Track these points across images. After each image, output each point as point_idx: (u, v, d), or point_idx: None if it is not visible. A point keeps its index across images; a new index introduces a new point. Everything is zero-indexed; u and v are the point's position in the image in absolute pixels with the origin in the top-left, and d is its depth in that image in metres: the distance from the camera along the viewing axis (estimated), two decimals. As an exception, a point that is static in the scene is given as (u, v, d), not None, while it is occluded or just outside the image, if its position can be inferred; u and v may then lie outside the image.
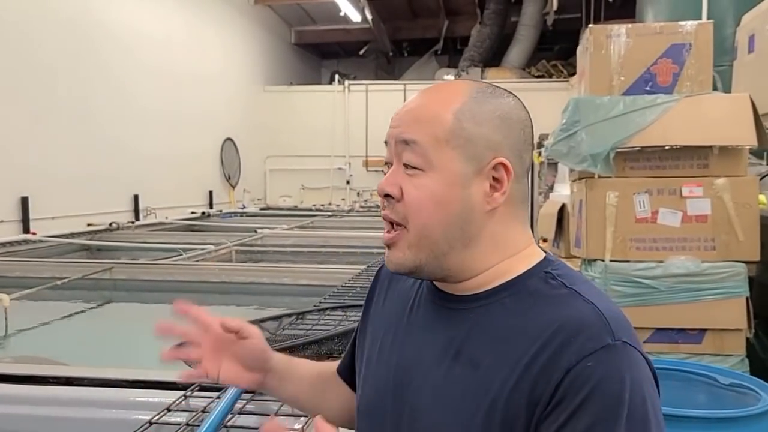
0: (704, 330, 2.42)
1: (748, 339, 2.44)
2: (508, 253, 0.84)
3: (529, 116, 0.88)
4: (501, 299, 0.82)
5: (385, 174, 0.86)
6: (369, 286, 1.04)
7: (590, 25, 2.70)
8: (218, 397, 1.28)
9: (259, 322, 1.84)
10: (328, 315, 1.92)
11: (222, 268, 3.08)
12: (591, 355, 0.71)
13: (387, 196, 0.83)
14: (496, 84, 0.90)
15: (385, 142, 0.87)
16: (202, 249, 3.76)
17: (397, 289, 0.96)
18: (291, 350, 1.42)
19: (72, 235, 4.50)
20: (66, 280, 2.86)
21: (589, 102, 2.64)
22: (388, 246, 0.84)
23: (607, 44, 2.65)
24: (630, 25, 2.65)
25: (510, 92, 0.89)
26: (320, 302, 2.13)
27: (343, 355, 1.08)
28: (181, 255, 3.48)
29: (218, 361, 0.94)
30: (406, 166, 0.82)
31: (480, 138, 0.82)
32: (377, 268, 1.07)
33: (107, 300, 3.02)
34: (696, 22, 2.62)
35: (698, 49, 2.58)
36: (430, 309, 0.88)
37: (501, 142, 0.83)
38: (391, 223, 0.84)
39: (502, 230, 0.84)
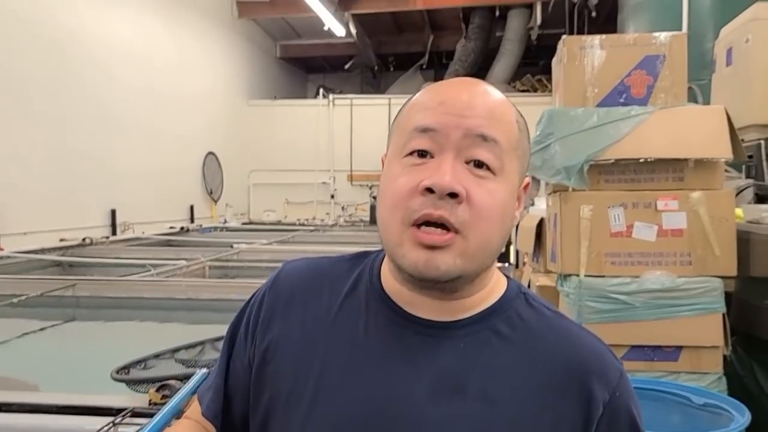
0: (680, 347, 2.36)
1: (725, 356, 2.38)
2: (493, 271, 0.81)
3: None
4: (493, 325, 0.77)
5: (412, 167, 0.73)
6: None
7: (564, 36, 2.65)
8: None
9: (213, 341, 1.77)
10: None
11: (189, 285, 2.99)
12: (617, 386, 0.74)
13: (451, 195, 0.70)
14: None
15: (426, 129, 0.73)
16: (174, 264, 3.67)
17: (323, 307, 0.82)
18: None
19: (42, 251, 4.39)
20: (24, 297, 2.77)
21: (563, 114, 2.59)
22: (433, 247, 0.70)
23: (581, 56, 2.61)
24: (603, 37, 2.61)
25: None
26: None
27: (209, 394, 0.88)
28: (150, 271, 3.40)
29: None
30: (472, 163, 0.72)
31: (528, 153, 0.80)
32: (271, 278, 0.89)
33: (70, 318, 2.92)
34: (670, 34, 2.58)
35: (672, 61, 2.54)
36: (399, 336, 0.77)
37: (529, 162, 0.82)
38: (441, 226, 0.70)
39: None
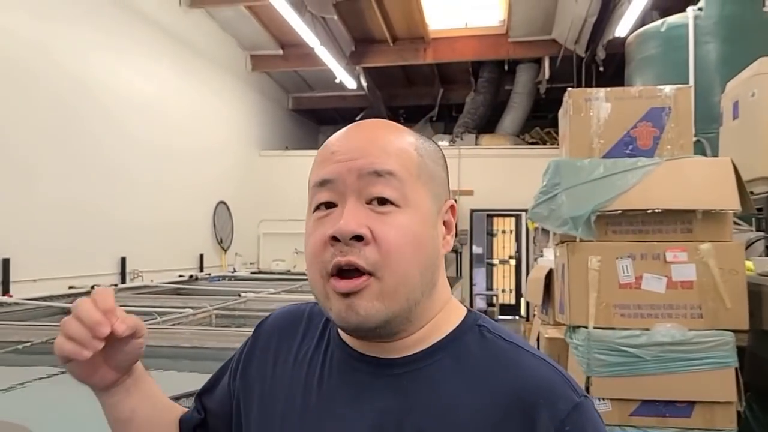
0: (693, 402, 2.31)
1: (740, 413, 2.32)
2: (442, 303, 0.78)
3: None
4: (439, 360, 0.74)
5: (319, 220, 0.74)
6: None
7: (569, 89, 2.69)
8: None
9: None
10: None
11: (194, 333, 2.97)
12: (566, 418, 0.68)
13: (355, 239, 0.69)
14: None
15: (323, 182, 0.74)
16: (180, 312, 3.65)
17: (293, 351, 0.84)
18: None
19: (50, 298, 4.39)
20: (29, 344, 2.75)
21: (570, 164, 2.60)
22: (347, 294, 0.70)
23: (587, 107, 2.64)
24: (609, 89, 2.65)
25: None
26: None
27: (192, 408, 0.94)
28: (156, 318, 3.38)
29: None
30: (375, 201, 0.71)
31: (438, 177, 0.78)
32: (255, 327, 0.93)
33: (74, 365, 2.89)
34: (675, 87, 2.61)
35: (678, 113, 2.57)
36: (349, 377, 0.77)
37: (447, 183, 0.80)
38: (354, 270, 0.70)
39: (443, 277, 0.78)
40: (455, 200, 0.86)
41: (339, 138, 0.77)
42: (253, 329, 0.93)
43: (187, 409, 0.94)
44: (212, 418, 0.92)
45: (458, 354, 0.74)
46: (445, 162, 0.81)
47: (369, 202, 0.71)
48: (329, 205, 0.73)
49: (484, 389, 0.70)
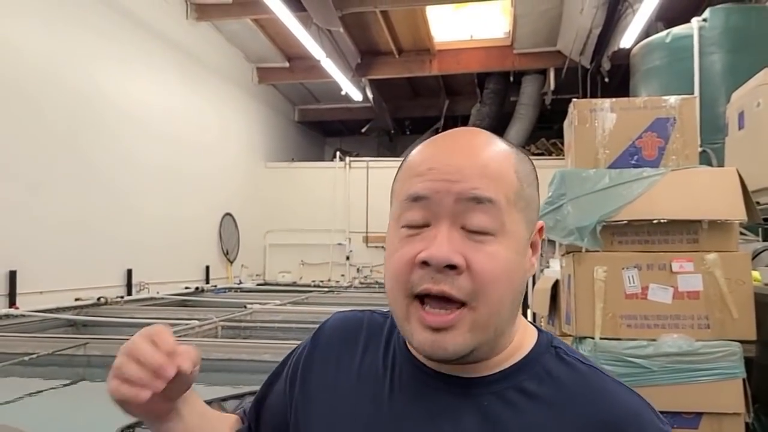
0: (701, 414, 2.29)
1: (748, 424, 2.30)
2: (519, 324, 0.77)
3: None
4: (519, 383, 0.72)
5: (408, 237, 0.71)
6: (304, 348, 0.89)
7: (574, 100, 2.69)
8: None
9: (220, 401, 1.74)
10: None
11: (200, 344, 2.97)
12: None
13: (449, 267, 0.67)
14: None
15: (417, 198, 0.71)
16: (186, 324, 3.65)
17: (356, 362, 0.82)
18: None
19: (56, 310, 4.41)
20: (35, 356, 2.77)
21: (575, 175, 2.60)
22: (439, 329, 0.68)
23: (592, 118, 2.64)
24: (614, 100, 2.65)
25: None
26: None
27: (246, 416, 0.93)
28: (162, 330, 3.39)
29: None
30: (470, 230, 0.69)
31: (534, 201, 0.75)
32: (316, 328, 0.91)
33: (80, 377, 2.90)
34: (680, 97, 2.61)
35: (683, 123, 2.56)
36: (422, 394, 0.75)
37: (538, 206, 0.78)
38: (445, 299, 0.68)
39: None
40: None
41: (436, 152, 0.74)
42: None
43: (235, 416, 0.94)
44: (265, 427, 0.91)
45: (539, 376, 0.73)
46: (537, 181, 0.78)
47: (464, 228, 0.69)
48: (419, 225, 0.71)
49: (569, 415, 0.69)
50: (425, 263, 0.68)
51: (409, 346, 0.78)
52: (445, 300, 0.68)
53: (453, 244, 0.67)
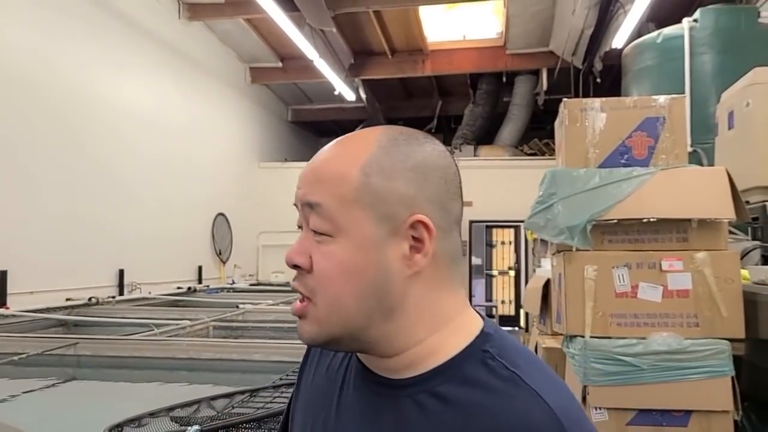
0: (690, 412, 2.30)
1: (737, 422, 2.31)
2: (439, 324, 0.74)
3: (453, 161, 0.77)
4: (433, 387, 0.71)
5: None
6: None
7: (564, 99, 2.70)
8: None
9: (209, 400, 1.74)
10: (283, 392, 1.82)
11: (191, 344, 2.97)
12: None
13: (296, 266, 0.73)
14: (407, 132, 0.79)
15: (295, 205, 0.76)
16: (177, 324, 3.65)
17: (327, 363, 0.86)
18: (228, 429, 1.32)
19: (47, 310, 4.39)
20: (25, 356, 2.75)
21: (565, 174, 2.61)
22: (299, 317, 0.74)
23: (582, 117, 2.65)
24: (604, 99, 2.66)
25: (430, 137, 0.78)
26: (281, 378, 2.03)
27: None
28: (153, 330, 3.38)
29: None
30: (314, 231, 0.72)
31: (390, 193, 0.71)
32: None
33: (70, 376, 2.89)
34: (669, 96, 2.62)
35: (672, 123, 2.58)
36: (360, 393, 0.77)
37: (416, 196, 0.72)
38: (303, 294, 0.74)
39: (429, 297, 0.73)
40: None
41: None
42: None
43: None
44: None
45: (456, 381, 0.71)
46: (424, 171, 0.73)
47: (313, 231, 0.73)
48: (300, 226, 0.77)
49: (468, 427, 0.67)
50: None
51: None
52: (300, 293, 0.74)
53: (303, 246, 0.73)
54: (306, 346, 0.93)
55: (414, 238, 0.71)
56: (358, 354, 0.80)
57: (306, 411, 0.85)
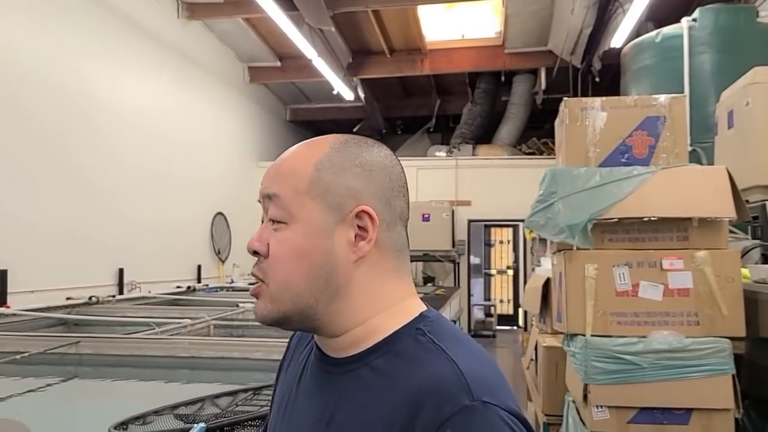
0: (690, 410, 2.31)
1: (738, 420, 2.32)
2: (381, 307, 0.81)
3: (399, 164, 0.86)
4: (370, 362, 0.78)
5: None
6: None
7: (565, 98, 2.71)
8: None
9: (213, 398, 1.75)
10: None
11: (192, 343, 2.97)
12: (448, 420, 0.67)
13: (255, 253, 0.81)
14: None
15: (259, 201, 0.85)
16: (178, 323, 3.64)
17: (298, 355, 0.94)
18: (233, 426, 1.33)
19: (48, 309, 4.38)
20: (26, 355, 2.75)
21: (566, 173, 2.62)
22: (255, 297, 0.82)
23: (582, 117, 2.66)
24: (604, 99, 2.66)
25: (378, 143, 0.87)
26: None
27: None
28: (153, 329, 3.38)
29: None
30: (272, 221, 0.81)
31: (339, 186, 0.80)
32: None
33: (72, 375, 2.89)
34: (670, 96, 2.63)
35: (673, 122, 2.59)
36: (314, 374, 0.85)
37: (362, 190, 0.80)
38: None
39: (373, 281, 0.81)
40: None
41: None
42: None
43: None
44: None
45: (387, 357, 0.77)
46: (370, 169, 0.82)
47: (271, 221, 0.81)
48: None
49: (395, 391, 0.73)
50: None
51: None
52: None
53: (262, 235, 0.81)
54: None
55: (359, 227, 0.80)
56: (315, 339, 0.86)
57: (278, 401, 0.92)
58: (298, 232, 0.79)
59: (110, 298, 5.27)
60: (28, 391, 2.47)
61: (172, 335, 3.34)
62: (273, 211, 0.80)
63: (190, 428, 1.28)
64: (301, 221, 0.79)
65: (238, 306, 4.68)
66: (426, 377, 0.72)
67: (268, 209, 0.82)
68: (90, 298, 4.99)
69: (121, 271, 6.36)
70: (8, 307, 4.35)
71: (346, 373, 0.80)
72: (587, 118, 2.66)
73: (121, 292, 6.20)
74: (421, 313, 0.82)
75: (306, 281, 0.79)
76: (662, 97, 2.63)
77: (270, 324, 0.82)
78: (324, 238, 0.79)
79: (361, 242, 0.80)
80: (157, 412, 1.63)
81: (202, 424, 1.26)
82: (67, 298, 5.02)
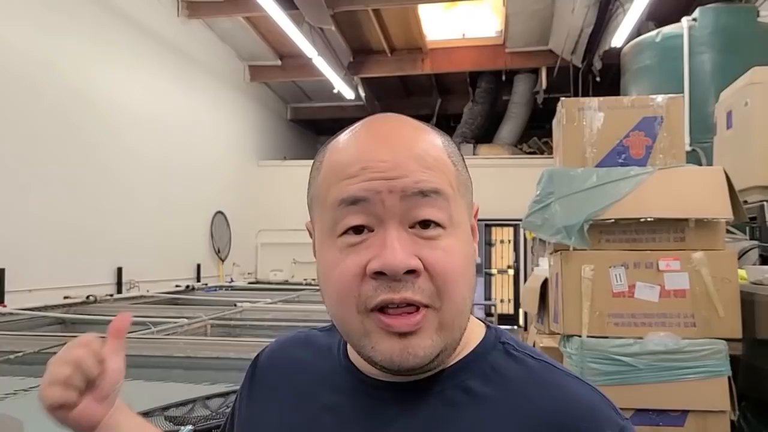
0: (686, 411, 2.30)
1: (734, 422, 2.31)
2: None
3: None
4: (462, 381, 0.66)
5: (350, 247, 0.64)
6: None
7: (562, 98, 2.70)
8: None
9: (204, 399, 1.74)
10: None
11: (188, 342, 2.96)
12: None
13: (409, 272, 0.61)
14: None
15: (355, 201, 0.63)
16: (175, 323, 3.64)
17: (298, 386, 0.76)
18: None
19: (45, 308, 4.38)
20: (21, 354, 2.74)
21: (563, 173, 2.61)
22: (406, 334, 0.62)
23: (580, 117, 2.65)
24: (601, 99, 2.65)
25: None
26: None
27: None
28: (150, 329, 3.37)
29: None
30: (419, 225, 0.63)
31: (469, 183, 0.71)
32: (252, 360, 0.86)
33: (67, 375, 2.88)
34: (667, 96, 2.62)
35: (670, 122, 2.57)
36: (365, 406, 0.69)
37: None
38: (412, 305, 0.62)
39: None
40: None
41: (363, 148, 0.66)
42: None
43: None
44: None
45: (485, 374, 0.67)
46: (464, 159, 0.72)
47: (412, 226, 0.63)
48: (359, 229, 0.63)
49: (516, 414, 0.64)
50: (379, 273, 0.61)
51: (350, 354, 0.73)
52: (406, 306, 0.62)
53: (406, 247, 0.61)
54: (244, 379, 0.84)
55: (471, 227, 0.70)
56: (353, 363, 0.72)
57: None
58: (460, 239, 0.65)
59: (108, 297, 5.26)
60: (19, 391, 2.46)
61: (168, 335, 3.33)
62: (431, 213, 0.62)
63: (178, 430, 1.27)
64: (458, 226, 0.65)
65: (236, 305, 4.67)
66: (568, 398, 0.64)
67: (413, 211, 0.63)
68: (88, 297, 4.99)
69: (119, 270, 6.36)
70: (5, 306, 4.35)
71: (428, 399, 0.66)
72: (584, 119, 2.65)
73: (119, 291, 6.19)
74: (487, 325, 0.73)
75: (471, 296, 0.66)
76: (659, 98, 2.62)
77: (423, 367, 0.63)
78: (472, 244, 0.69)
79: (474, 244, 0.70)
80: (147, 414, 1.62)
81: (190, 426, 1.25)
82: (65, 297, 5.01)
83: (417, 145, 0.65)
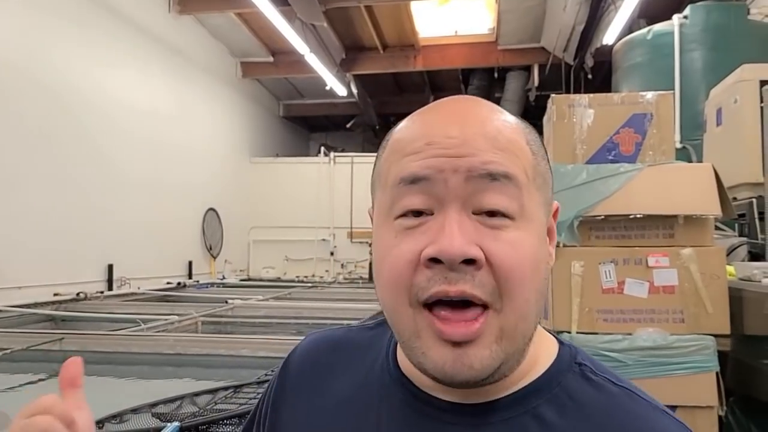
0: (674, 407, 2.30)
1: (722, 418, 2.32)
2: (536, 336, 0.62)
3: None
4: (535, 408, 0.59)
5: (407, 230, 0.57)
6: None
7: (552, 95, 2.70)
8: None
9: (192, 396, 1.73)
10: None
11: (178, 339, 2.96)
12: None
13: (467, 262, 0.54)
14: None
15: (416, 180, 0.57)
16: (165, 319, 3.63)
17: (333, 390, 0.69)
18: (209, 425, 1.31)
19: (34, 305, 4.36)
20: (8, 351, 2.74)
21: (553, 170, 2.61)
22: (461, 343, 0.54)
23: (570, 114, 2.65)
24: (592, 95, 2.65)
25: None
26: (265, 374, 2.03)
27: None
28: (140, 326, 3.37)
29: None
30: (486, 214, 0.56)
31: (549, 178, 0.63)
32: (282, 361, 0.78)
33: (55, 372, 2.87)
34: (657, 93, 2.62)
35: (659, 119, 2.58)
36: (416, 425, 0.61)
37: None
38: (462, 303, 0.55)
39: None
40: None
41: (432, 123, 0.60)
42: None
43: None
44: None
45: (559, 401, 0.60)
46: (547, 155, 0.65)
47: (476, 213, 0.56)
48: (419, 213, 0.57)
49: None
50: (434, 260, 0.54)
51: (401, 363, 0.65)
52: (462, 305, 0.55)
53: (466, 234, 0.54)
54: (274, 381, 0.76)
55: (548, 228, 0.63)
56: (410, 379, 0.64)
57: None
58: (531, 234, 0.57)
59: (98, 294, 5.25)
60: (9, 389, 2.45)
61: (158, 332, 3.33)
62: (499, 200, 0.55)
63: (164, 427, 1.27)
64: (530, 219, 0.57)
65: (227, 302, 4.67)
66: None
67: (478, 196, 0.56)
68: (78, 294, 4.97)
69: (110, 267, 6.33)
70: (-6, 303, 4.33)
71: (497, 425, 0.59)
72: (575, 115, 2.66)
73: (110, 288, 6.17)
74: (560, 340, 0.66)
75: (537, 303, 0.58)
76: (649, 94, 2.62)
77: (479, 381, 0.56)
78: (545, 244, 0.61)
79: (550, 247, 0.63)
80: (135, 410, 1.62)
81: (176, 423, 1.25)
82: (55, 294, 5.00)
83: (490, 124, 0.59)
